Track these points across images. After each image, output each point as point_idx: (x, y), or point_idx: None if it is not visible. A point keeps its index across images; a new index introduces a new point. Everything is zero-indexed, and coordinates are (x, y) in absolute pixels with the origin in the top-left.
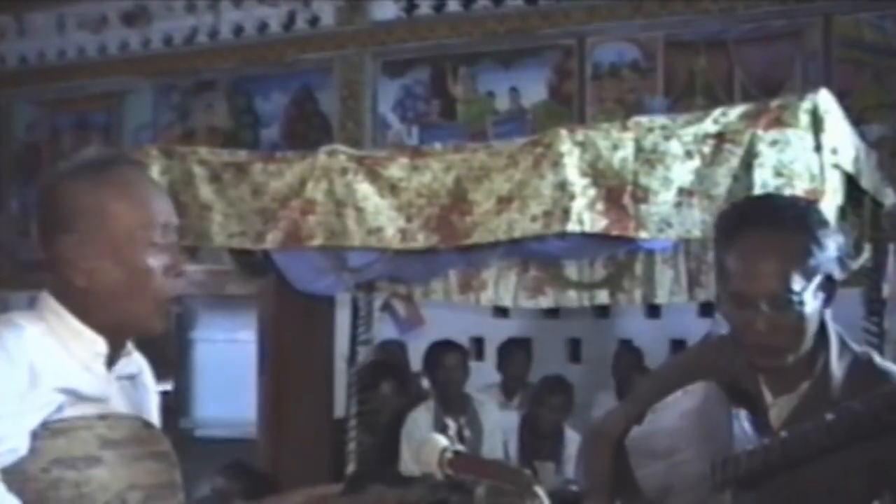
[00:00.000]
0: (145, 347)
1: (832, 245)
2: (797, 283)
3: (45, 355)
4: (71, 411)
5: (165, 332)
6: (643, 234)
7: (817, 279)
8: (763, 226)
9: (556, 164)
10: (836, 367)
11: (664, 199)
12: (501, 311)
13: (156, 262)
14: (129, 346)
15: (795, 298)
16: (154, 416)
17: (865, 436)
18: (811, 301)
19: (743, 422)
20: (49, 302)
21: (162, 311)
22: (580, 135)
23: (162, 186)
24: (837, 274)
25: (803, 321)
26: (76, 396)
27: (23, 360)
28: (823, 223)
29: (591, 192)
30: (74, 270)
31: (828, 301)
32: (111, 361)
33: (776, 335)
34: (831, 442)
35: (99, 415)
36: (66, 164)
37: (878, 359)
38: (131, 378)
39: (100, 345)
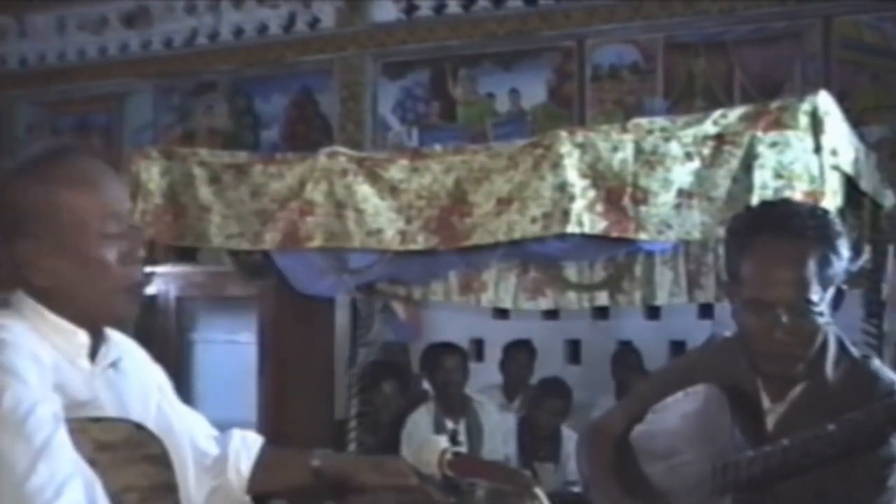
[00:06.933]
0: (146, 348)
1: (846, 255)
2: (815, 293)
3: (39, 350)
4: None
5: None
6: (643, 236)
7: (832, 289)
8: (782, 232)
9: (556, 165)
10: (831, 372)
11: (664, 201)
12: (501, 313)
13: (111, 252)
14: (107, 332)
15: (815, 309)
16: (145, 403)
17: (866, 446)
18: (826, 311)
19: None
20: (26, 300)
21: (127, 299)
22: (580, 136)
23: (114, 172)
24: (845, 286)
25: (817, 330)
26: (66, 395)
27: (28, 353)
28: (840, 233)
29: (591, 193)
30: (35, 271)
31: (834, 311)
32: (93, 353)
33: (793, 343)
34: (832, 451)
35: (91, 418)
36: (12, 162)
37: (875, 363)
38: (114, 365)
39: (81, 336)
